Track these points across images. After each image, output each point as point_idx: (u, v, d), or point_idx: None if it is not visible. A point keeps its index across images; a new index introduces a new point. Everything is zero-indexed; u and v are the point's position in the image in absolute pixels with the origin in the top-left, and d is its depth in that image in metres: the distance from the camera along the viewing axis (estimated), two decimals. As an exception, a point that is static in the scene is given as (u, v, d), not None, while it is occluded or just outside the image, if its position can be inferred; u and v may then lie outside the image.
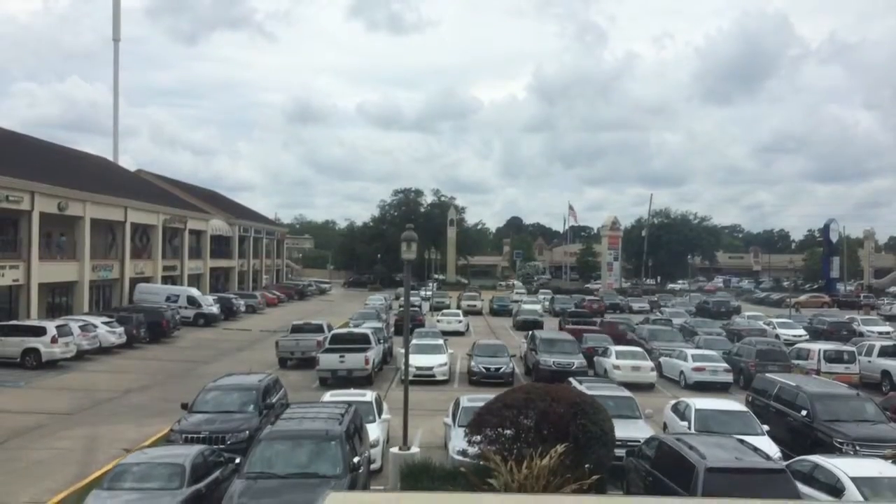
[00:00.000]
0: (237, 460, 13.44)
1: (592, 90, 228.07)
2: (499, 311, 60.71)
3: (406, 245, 15.95)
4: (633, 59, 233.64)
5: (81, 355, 32.06)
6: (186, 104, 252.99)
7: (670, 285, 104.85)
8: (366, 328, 32.36)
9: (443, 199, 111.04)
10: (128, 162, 72.48)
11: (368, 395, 18.56)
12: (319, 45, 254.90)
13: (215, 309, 49.66)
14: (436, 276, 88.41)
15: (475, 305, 62.12)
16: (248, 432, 16.21)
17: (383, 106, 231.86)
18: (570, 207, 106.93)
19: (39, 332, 30.51)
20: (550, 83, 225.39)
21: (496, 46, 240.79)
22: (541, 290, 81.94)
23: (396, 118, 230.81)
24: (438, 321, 46.86)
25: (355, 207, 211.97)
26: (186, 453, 13.40)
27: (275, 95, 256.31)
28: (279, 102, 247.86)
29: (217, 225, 67.34)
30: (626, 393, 18.75)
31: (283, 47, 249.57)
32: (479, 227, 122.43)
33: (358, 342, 28.42)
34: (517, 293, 75.85)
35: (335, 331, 31.32)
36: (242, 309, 55.99)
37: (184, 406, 17.97)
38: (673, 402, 19.69)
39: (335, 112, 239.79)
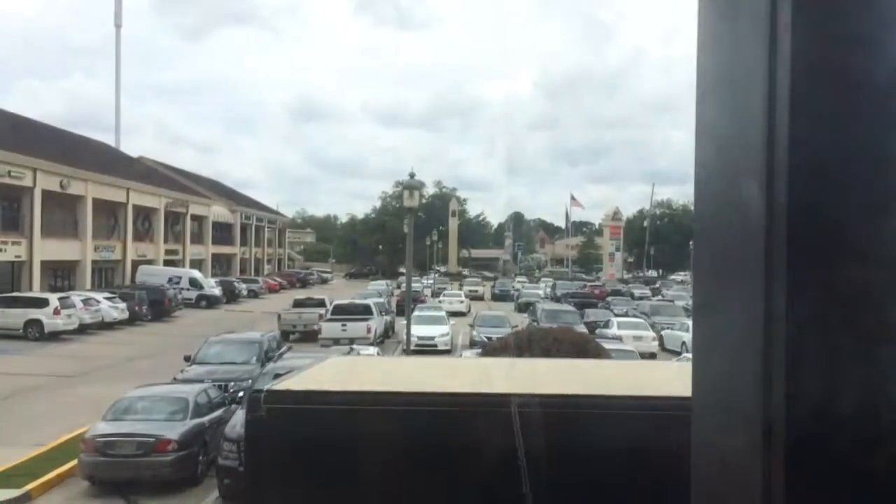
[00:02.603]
0: (241, 394, 13.49)
1: (598, 87, 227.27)
2: (500, 297, 60.77)
3: (409, 193, 15.97)
4: (639, 55, 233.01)
5: (84, 329, 32.11)
6: (190, 101, 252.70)
7: (671, 276, 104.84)
8: (368, 301, 32.44)
9: (444, 190, 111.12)
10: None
11: (371, 350, 18.63)
12: (325, 42, 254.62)
13: (217, 291, 49.73)
14: (437, 267, 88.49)
15: (477, 291, 62.24)
16: (250, 381, 16.22)
17: (387, 103, 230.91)
18: (573, 198, 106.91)
19: (42, 303, 30.59)
20: (555, 80, 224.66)
21: (501, 43, 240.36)
22: (542, 280, 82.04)
23: (400, 115, 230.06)
24: (440, 301, 46.89)
25: (358, 205, 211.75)
26: (190, 390, 13.47)
27: (279, 92, 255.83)
28: (283, 99, 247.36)
29: (219, 211, 67.39)
30: (628, 346, 18.79)
31: (288, 44, 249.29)
32: (480, 218, 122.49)
33: (360, 312, 28.46)
34: (518, 281, 75.97)
35: (337, 302, 31.36)
36: (244, 293, 56.02)
37: (186, 358, 18.02)
38: (675, 359, 19.75)
39: (339, 109, 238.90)
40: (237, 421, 11.87)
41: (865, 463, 0.79)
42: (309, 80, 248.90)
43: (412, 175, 16.28)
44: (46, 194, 38.93)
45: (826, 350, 0.79)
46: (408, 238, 17.59)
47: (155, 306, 39.13)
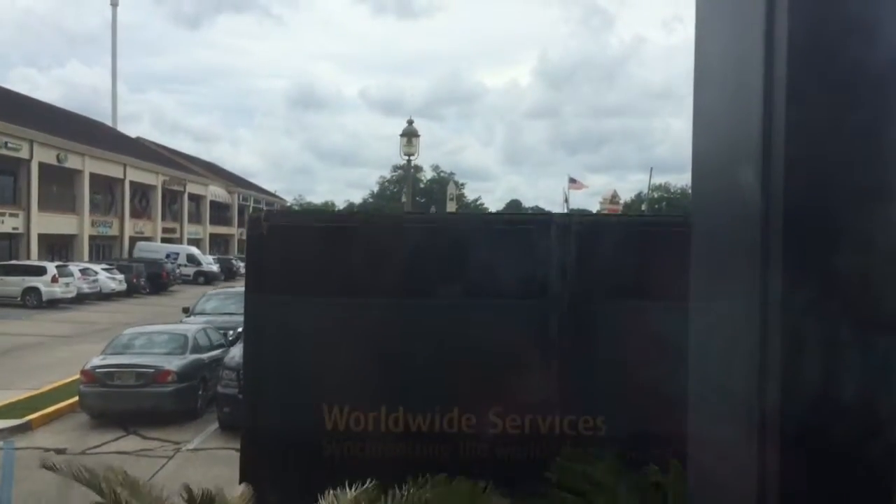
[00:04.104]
0: (240, 329, 13.49)
1: (598, 75, 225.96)
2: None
3: (407, 140, 15.93)
4: (640, 43, 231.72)
5: (82, 299, 32.09)
6: (187, 90, 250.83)
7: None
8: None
9: (442, 175, 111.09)
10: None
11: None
12: (324, 30, 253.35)
13: (215, 268, 49.68)
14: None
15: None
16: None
17: (386, 91, 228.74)
18: (572, 180, 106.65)
19: (40, 271, 30.57)
20: (555, 68, 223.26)
21: (501, 31, 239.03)
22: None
23: (399, 104, 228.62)
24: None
25: (356, 193, 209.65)
26: (189, 328, 13.49)
27: (278, 81, 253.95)
28: (282, 88, 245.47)
29: (216, 191, 67.25)
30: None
31: (286, 32, 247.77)
32: (478, 203, 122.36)
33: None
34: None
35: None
36: (242, 271, 55.93)
37: (185, 310, 18.05)
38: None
39: (338, 97, 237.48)
40: (237, 352, 11.90)
41: (861, 453, 0.79)
42: (308, 69, 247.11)
43: (410, 122, 16.25)
44: (44, 167, 38.80)
45: (823, 339, 0.79)
46: (407, 190, 17.54)
47: (153, 279, 39.09)
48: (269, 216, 4.14)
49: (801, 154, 0.79)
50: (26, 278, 30.25)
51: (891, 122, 0.81)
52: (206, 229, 64.04)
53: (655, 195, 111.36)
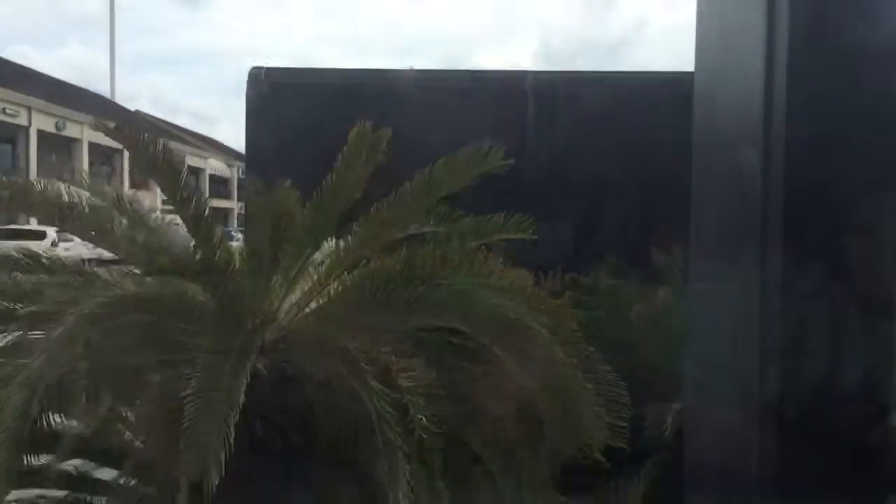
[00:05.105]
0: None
1: (599, 57, 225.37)
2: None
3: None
4: (642, 24, 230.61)
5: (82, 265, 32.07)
6: (186, 71, 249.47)
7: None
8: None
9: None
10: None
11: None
12: (324, 9, 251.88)
13: (215, 239, 49.79)
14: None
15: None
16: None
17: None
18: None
19: (39, 235, 30.49)
20: (557, 50, 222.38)
21: (503, 12, 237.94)
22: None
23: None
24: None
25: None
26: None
27: (278, 61, 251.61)
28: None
29: (216, 165, 66.99)
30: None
31: (286, 11, 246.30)
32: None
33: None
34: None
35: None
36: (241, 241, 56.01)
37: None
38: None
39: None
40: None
41: (860, 437, 0.80)
42: (308, 49, 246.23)
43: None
44: (42, 135, 38.62)
45: (823, 323, 0.75)
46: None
47: (153, 248, 39.14)
48: (271, 72, 3.98)
49: (801, 136, 0.78)
50: (26, 242, 30.08)
51: (892, 103, 0.78)
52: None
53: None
